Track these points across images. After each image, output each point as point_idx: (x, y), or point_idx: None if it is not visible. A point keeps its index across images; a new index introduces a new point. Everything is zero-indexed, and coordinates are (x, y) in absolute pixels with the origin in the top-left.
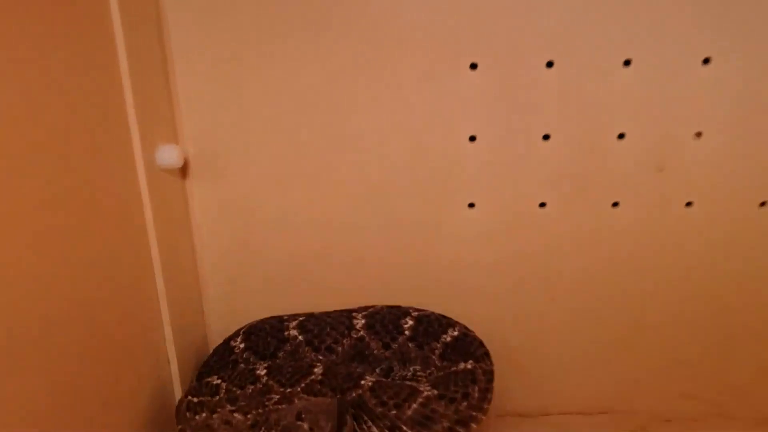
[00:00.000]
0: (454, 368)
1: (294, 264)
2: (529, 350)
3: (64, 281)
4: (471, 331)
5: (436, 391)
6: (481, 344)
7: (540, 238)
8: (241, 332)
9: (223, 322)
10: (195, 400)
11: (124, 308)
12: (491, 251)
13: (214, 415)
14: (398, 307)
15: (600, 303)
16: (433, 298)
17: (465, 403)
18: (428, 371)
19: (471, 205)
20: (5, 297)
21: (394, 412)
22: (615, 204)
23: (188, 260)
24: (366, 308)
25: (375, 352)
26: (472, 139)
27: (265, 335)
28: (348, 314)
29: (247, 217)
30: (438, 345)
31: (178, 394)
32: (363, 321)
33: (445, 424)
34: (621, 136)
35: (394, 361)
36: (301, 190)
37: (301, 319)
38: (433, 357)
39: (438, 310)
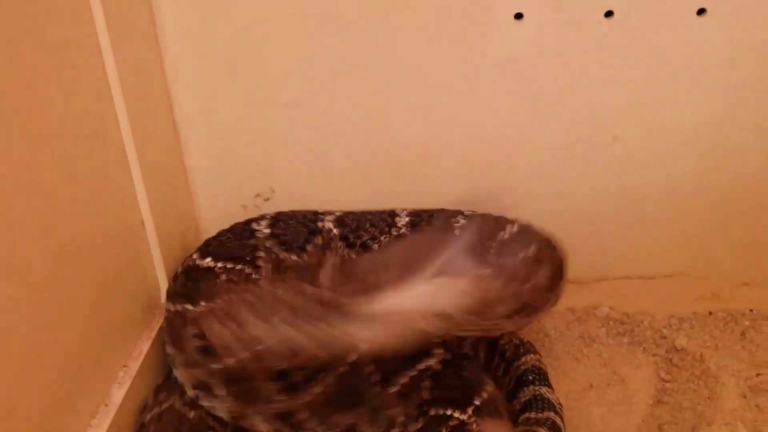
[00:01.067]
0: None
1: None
2: (580, 210)
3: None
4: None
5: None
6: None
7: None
8: (267, 216)
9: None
10: None
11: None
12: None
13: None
14: (444, 210)
15: (662, 151)
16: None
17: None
18: None
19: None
20: None
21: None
22: (701, 11)
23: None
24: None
25: None
26: None
27: (295, 223)
28: (391, 212)
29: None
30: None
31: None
32: (407, 219)
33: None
34: None
35: None
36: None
37: (338, 214)
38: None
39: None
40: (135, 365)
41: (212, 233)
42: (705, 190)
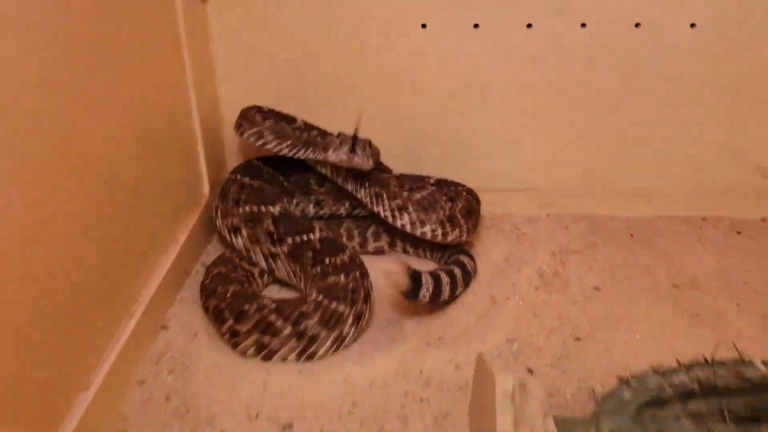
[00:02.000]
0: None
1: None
2: (467, 142)
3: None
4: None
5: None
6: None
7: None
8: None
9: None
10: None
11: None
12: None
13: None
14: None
15: (517, 105)
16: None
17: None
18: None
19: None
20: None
21: (406, 194)
22: (529, 25)
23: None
24: None
25: None
26: None
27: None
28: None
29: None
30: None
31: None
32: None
33: (441, 214)
34: None
35: None
36: None
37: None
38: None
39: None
40: (183, 237)
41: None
42: (541, 131)
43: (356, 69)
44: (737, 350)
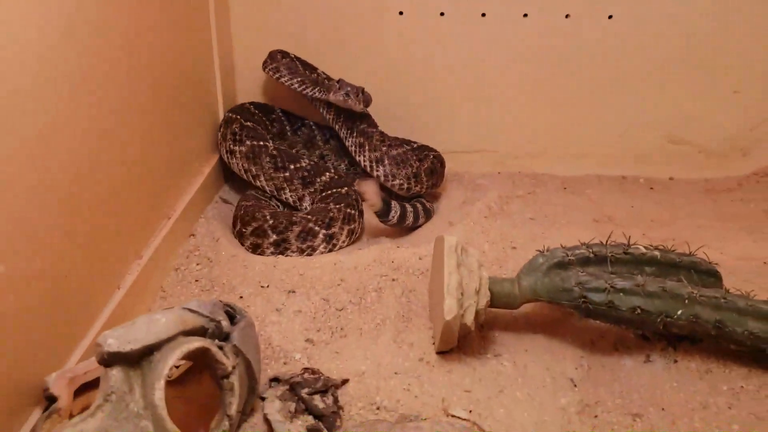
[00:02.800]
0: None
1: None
2: (434, 110)
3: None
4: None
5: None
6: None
7: None
8: None
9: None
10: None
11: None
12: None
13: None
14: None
15: (480, 76)
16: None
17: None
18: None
19: (401, 13)
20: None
21: (385, 149)
22: (483, 14)
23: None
24: None
25: None
26: None
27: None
28: None
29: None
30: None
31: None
32: None
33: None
34: None
35: None
36: None
37: None
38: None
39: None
40: (207, 169)
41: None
42: (493, 100)
43: (352, 35)
44: (627, 239)
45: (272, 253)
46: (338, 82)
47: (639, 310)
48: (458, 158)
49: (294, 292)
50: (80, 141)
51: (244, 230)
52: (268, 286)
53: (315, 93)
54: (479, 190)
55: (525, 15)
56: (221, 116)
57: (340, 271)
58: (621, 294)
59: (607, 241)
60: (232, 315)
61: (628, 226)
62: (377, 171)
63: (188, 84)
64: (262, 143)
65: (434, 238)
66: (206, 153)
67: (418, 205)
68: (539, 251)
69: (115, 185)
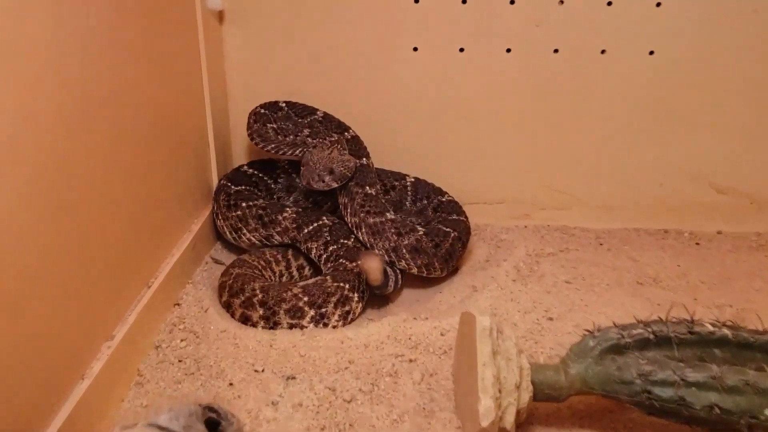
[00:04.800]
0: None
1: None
2: (449, 158)
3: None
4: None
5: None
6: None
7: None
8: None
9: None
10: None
11: (182, 107)
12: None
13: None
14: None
15: (498, 124)
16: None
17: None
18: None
19: (415, 49)
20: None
21: (363, 215)
22: (508, 50)
23: (221, 81)
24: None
25: None
26: (416, 1)
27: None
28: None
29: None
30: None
31: (215, 182)
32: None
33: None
34: (512, 2)
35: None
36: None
37: None
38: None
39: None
40: (196, 228)
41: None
42: (517, 148)
43: (353, 85)
44: (688, 312)
45: (263, 327)
46: (304, 166)
47: (717, 409)
48: (479, 209)
49: (294, 378)
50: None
51: (232, 301)
52: (262, 370)
53: (293, 156)
54: (504, 247)
55: (555, 50)
56: (214, 168)
57: (348, 351)
58: (693, 388)
59: (667, 317)
60: (215, 423)
61: (675, 290)
62: (359, 232)
63: (176, 132)
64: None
65: (456, 305)
66: (195, 208)
67: (394, 268)
68: (588, 331)
69: (82, 255)
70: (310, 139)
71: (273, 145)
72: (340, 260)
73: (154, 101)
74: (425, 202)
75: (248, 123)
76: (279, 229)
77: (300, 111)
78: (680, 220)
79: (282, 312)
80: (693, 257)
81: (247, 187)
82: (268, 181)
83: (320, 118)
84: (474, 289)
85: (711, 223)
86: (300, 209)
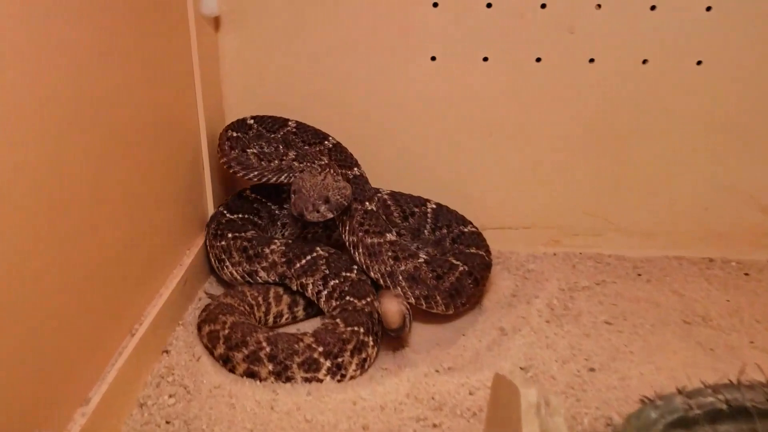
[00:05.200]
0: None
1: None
2: (469, 179)
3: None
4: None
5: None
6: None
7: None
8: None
9: None
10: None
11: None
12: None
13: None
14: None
15: (524, 140)
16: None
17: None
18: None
19: (433, 58)
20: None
21: (361, 234)
22: (538, 59)
23: (217, 93)
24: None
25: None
26: (435, 5)
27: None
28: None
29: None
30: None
31: (210, 206)
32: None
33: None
34: (543, 6)
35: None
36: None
37: None
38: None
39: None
40: (188, 261)
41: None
42: (550, 168)
43: (362, 98)
44: (763, 373)
45: (274, 382)
46: (298, 177)
47: None
48: (502, 235)
49: None
50: None
51: (232, 355)
52: None
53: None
54: (533, 279)
55: (591, 60)
56: (209, 191)
57: (362, 414)
58: None
59: (738, 379)
60: None
61: (728, 331)
62: (356, 251)
63: (164, 151)
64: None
65: (483, 352)
66: (187, 238)
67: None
68: (646, 399)
69: (49, 306)
70: (296, 163)
71: (256, 173)
72: (347, 298)
73: (138, 117)
74: (444, 231)
75: (222, 149)
76: (265, 264)
77: (270, 125)
78: (727, 248)
79: (295, 366)
80: (743, 291)
81: (246, 216)
82: (272, 207)
83: (294, 129)
84: (502, 332)
85: (761, 251)
86: (290, 240)
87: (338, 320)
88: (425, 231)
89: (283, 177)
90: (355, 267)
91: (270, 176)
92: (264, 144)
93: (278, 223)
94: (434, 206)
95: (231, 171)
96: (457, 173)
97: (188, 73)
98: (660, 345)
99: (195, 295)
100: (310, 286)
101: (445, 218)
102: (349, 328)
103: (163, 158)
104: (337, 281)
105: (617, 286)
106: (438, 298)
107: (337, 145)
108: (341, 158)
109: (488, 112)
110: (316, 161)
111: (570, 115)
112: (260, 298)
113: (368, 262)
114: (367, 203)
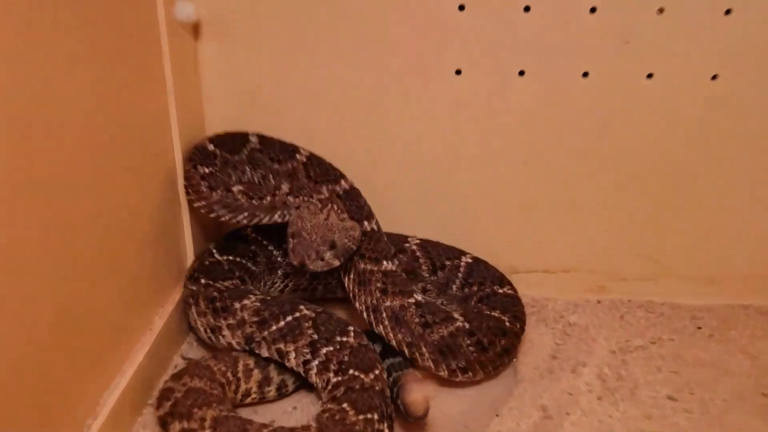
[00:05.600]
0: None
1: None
2: (500, 214)
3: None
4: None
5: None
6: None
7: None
8: None
9: None
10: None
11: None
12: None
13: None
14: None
15: (565, 169)
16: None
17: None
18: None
19: (458, 72)
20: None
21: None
22: (585, 74)
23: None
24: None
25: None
26: (461, 8)
27: None
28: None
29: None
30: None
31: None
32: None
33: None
34: (593, 10)
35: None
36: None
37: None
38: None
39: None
40: (162, 320)
41: None
42: (593, 204)
43: (371, 118)
44: None
45: None
46: (296, 216)
47: None
48: (537, 280)
49: None
50: None
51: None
52: None
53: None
54: (576, 336)
55: (650, 75)
56: (188, 234)
57: None
58: None
59: None
60: None
61: None
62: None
63: (129, 187)
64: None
65: None
66: (160, 295)
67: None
68: None
69: None
70: (291, 198)
71: (245, 214)
72: (351, 372)
73: (92, 133)
74: (475, 288)
75: (199, 192)
76: (231, 321)
77: (230, 146)
78: None
79: None
80: None
81: (237, 259)
82: (273, 252)
83: (257, 146)
84: (545, 414)
85: None
86: (268, 297)
87: (345, 405)
88: (453, 286)
89: (276, 216)
90: (351, 329)
91: (262, 216)
92: (243, 173)
93: (278, 271)
94: (470, 260)
95: (213, 216)
96: (483, 208)
97: (159, 87)
98: (739, 429)
99: (169, 362)
100: (292, 355)
101: (480, 275)
102: (361, 417)
103: (125, 188)
104: (331, 348)
105: (676, 345)
106: (423, 349)
107: (312, 158)
108: (354, 208)
109: (524, 136)
110: (314, 195)
111: (620, 139)
112: (229, 374)
113: (356, 290)
114: (366, 223)
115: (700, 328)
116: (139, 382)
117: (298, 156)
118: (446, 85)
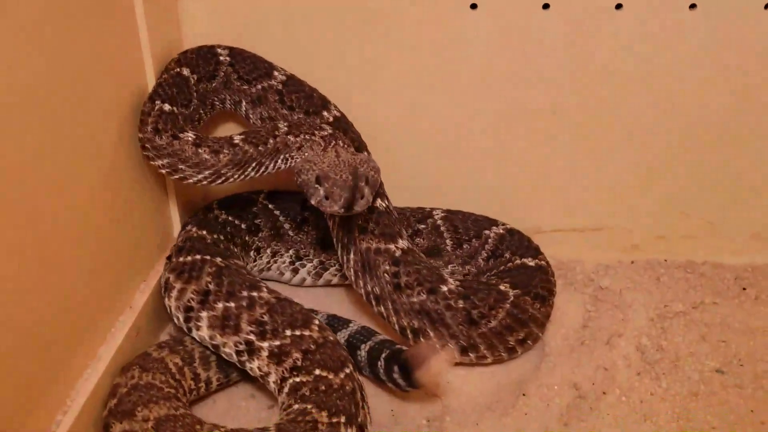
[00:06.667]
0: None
1: None
2: (524, 168)
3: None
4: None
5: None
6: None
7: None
8: None
9: None
10: None
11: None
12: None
13: None
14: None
15: (597, 118)
16: None
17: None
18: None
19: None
20: None
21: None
22: (618, 6)
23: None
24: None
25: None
26: None
27: None
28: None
29: None
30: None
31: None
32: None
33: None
34: None
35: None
36: None
37: None
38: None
39: None
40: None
41: None
42: (627, 156)
43: (379, 63)
44: None
45: None
46: (305, 161)
47: None
48: (564, 240)
49: None
50: None
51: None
52: None
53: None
54: (609, 301)
55: (692, 6)
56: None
57: None
58: None
59: None
60: None
61: None
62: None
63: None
64: None
65: (555, 428)
66: (141, 267)
67: None
68: None
69: None
70: (291, 138)
71: (254, 164)
72: (317, 372)
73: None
74: (501, 259)
75: (200, 157)
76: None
77: (203, 68)
78: None
79: None
80: None
81: (219, 237)
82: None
83: (228, 60)
84: (579, 394)
85: None
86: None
87: (309, 406)
88: (480, 258)
89: (280, 161)
90: (317, 320)
91: (267, 163)
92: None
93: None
94: (502, 231)
95: (219, 182)
96: (506, 161)
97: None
98: None
99: (151, 343)
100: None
101: (511, 245)
102: (332, 419)
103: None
104: (280, 342)
105: (720, 309)
106: (389, 304)
107: (291, 79)
108: (304, 98)
109: (549, 80)
110: (316, 132)
111: (660, 87)
112: (185, 367)
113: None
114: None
115: (744, 289)
116: (119, 370)
117: (274, 75)
118: (462, 20)
